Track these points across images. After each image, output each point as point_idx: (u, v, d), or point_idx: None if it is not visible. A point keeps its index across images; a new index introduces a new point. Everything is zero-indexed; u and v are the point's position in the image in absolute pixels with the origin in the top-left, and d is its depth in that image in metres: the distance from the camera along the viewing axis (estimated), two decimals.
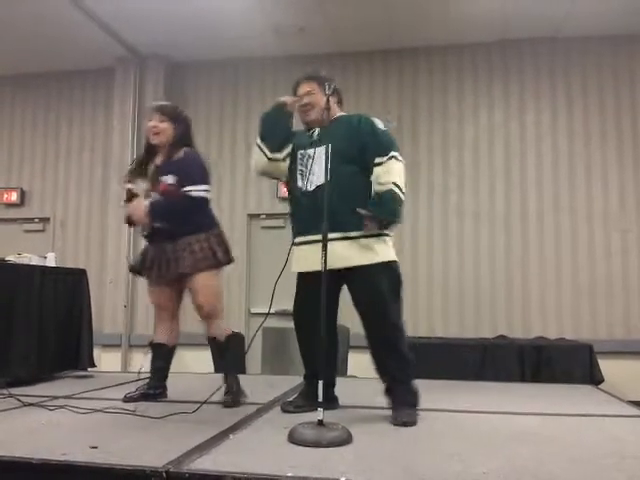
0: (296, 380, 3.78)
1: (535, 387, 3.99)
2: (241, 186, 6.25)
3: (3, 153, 6.77)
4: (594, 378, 4.62)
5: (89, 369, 4.22)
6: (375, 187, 2.68)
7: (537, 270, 5.65)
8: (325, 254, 2.39)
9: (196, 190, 2.92)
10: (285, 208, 6.01)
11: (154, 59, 6.26)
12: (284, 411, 2.79)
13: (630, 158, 5.66)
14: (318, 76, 2.90)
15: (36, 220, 6.62)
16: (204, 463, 1.89)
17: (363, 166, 2.73)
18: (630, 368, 5.22)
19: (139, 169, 3.06)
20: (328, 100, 2.68)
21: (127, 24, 5.63)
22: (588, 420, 2.74)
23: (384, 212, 2.66)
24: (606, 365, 4.87)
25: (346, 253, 2.66)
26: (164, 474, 1.78)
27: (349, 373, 4.56)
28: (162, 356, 3.10)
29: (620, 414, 2.89)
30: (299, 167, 2.84)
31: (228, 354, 3.05)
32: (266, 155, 2.92)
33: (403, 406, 2.60)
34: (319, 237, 2.53)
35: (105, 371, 4.69)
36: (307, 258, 2.75)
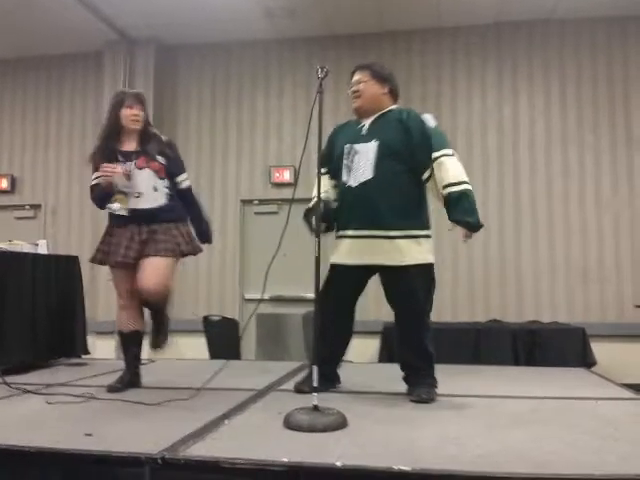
0: (291, 365, 3.79)
1: (528, 370, 4.02)
2: (233, 172, 6.21)
3: None
4: (587, 361, 4.66)
5: (83, 356, 4.21)
6: (444, 192, 2.66)
7: (530, 254, 5.66)
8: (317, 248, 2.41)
9: (186, 179, 3.13)
10: (278, 194, 6.08)
11: (144, 42, 6.17)
12: (298, 391, 2.81)
13: (623, 141, 5.66)
14: (370, 66, 2.91)
15: (27, 207, 6.56)
16: (199, 449, 1.90)
17: (411, 165, 2.74)
18: (622, 351, 5.26)
19: (106, 154, 3.01)
20: (320, 91, 2.52)
21: (116, 6, 5.54)
22: (581, 403, 2.76)
23: (470, 216, 2.64)
24: (599, 348, 4.91)
25: (384, 252, 2.69)
26: (159, 460, 1.78)
27: (345, 358, 4.57)
28: (137, 342, 3.08)
29: (613, 397, 2.92)
30: (345, 161, 2.82)
31: (162, 313, 3.05)
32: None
33: (422, 385, 2.70)
34: (358, 233, 2.69)
35: (99, 358, 4.69)
36: (345, 251, 2.77)
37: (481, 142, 5.85)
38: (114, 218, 3.01)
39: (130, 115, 2.98)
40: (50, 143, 6.58)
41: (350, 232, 2.77)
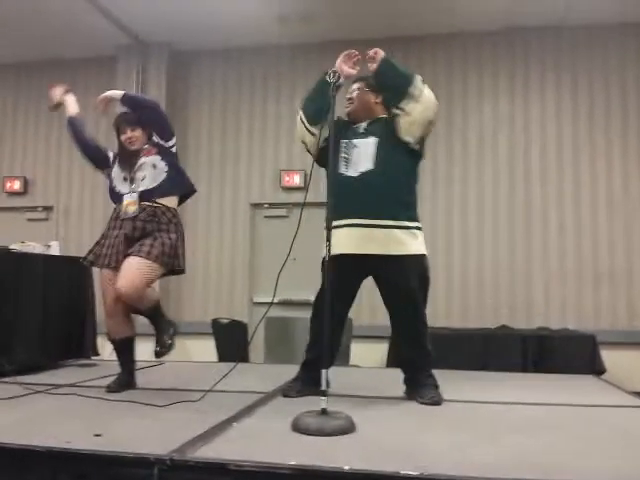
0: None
1: (537, 377, 3.99)
2: (244, 176, 6.24)
3: (6, 142, 6.76)
4: (596, 368, 4.62)
5: (93, 357, 4.24)
6: None
7: (540, 259, 5.64)
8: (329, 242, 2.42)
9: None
10: (288, 198, 6.10)
11: (157, 47, 6.23)
12: (285, 396, 2.86)
13: (634, 149, 5.63)
14: (366, 78, 3.03)
15: (39, 209, 6.62)
16: (208, 451, 1.90)
17: (409, 151, 2.81)
18: (633, 359, 5.21)
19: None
20: (332, 95, 2.65)
21: (129, 11, 5.59)
22: (591, 410, 2.74)
23: (397, 70, 2.81)
24: (609, 355, 4.87)
25: (381, 242, 2.71)
26: (168, 462, 1.78)
27: (351, 362, 4.57)
28: (129, 348, 3.08)
29: (622, 404, 2.90)
30: (342, 155, 2.85)
31: (155, 316, 2.98)
32: (305, 126, 3.01)
33: (427, 387, 2.74)
34: (358, 221, 2.70)
35: (109, 359, 4.70)
36: (343, 241, 2.73)
37: (492, 147, 5.84)
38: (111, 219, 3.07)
39: (125, 140, 3.11)
40: (63, 145, 6.62)
41: (346, 221, 2.74)
